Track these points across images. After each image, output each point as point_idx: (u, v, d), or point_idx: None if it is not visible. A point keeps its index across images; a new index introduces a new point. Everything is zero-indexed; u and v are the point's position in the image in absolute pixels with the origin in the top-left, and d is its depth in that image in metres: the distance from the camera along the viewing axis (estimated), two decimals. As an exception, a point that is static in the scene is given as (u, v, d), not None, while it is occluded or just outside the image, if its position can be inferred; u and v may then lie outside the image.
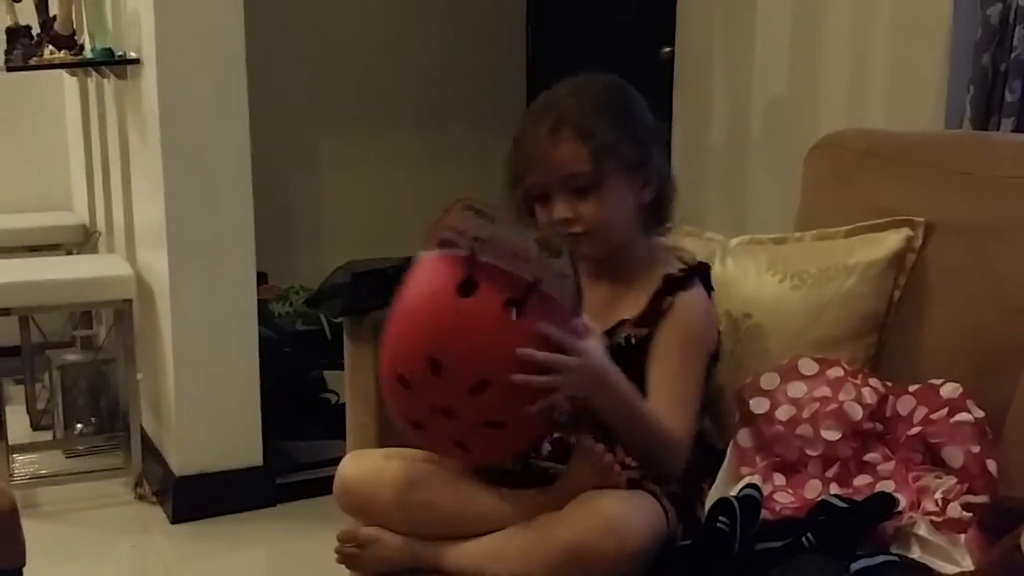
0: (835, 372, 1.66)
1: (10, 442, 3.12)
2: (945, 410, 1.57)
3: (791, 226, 1.99)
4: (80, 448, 3.39)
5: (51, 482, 3.20)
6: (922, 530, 1.48)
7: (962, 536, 1.46)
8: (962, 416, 1.56)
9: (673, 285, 1.60)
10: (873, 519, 1.47)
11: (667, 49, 3.33)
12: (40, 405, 3.62)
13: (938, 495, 1.50)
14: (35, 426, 3.61)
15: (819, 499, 1.52)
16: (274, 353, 3.25)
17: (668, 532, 1.46)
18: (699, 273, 1.65)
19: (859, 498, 1.51)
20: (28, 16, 3.34)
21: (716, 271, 1.74)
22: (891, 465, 1.58)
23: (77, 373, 3.38)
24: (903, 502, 1.49)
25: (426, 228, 1.44)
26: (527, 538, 1.43)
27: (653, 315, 1.59)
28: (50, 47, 3.19)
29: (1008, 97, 2.27)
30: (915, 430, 1.58)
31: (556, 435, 1.55)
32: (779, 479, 1.63)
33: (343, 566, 1.62)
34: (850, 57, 2.70)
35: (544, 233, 1.38)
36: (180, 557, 2.86)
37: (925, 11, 2.50)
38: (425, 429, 1.45)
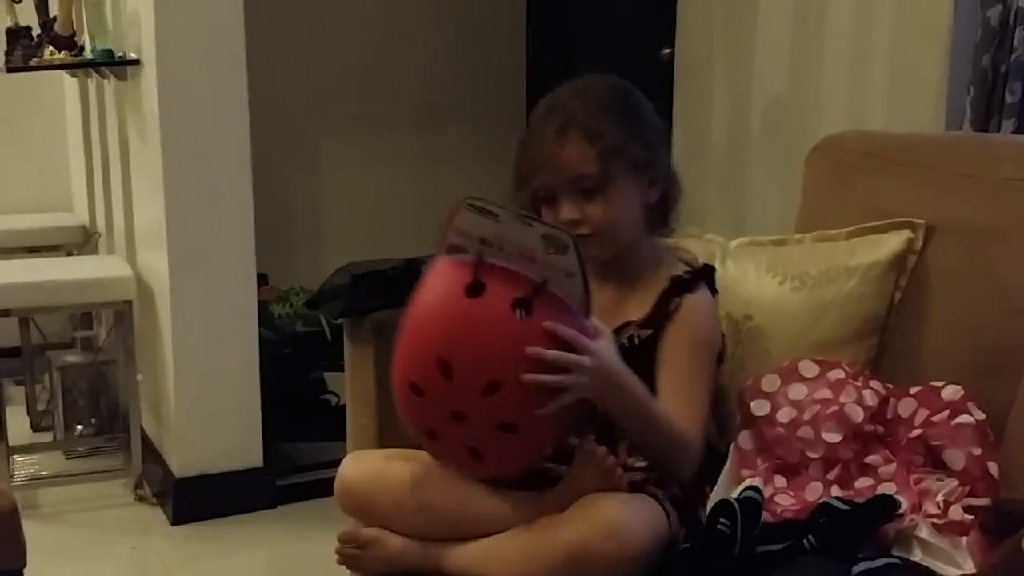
0: (836, 374, 1.66)
1: (10, 443, 3.12)
2: (946, 412, 1.57)
3: (791, 227, 1.99)
4: (80, 449, 3.39)
5: (51, 483, 3.20)
6: (924, 532, 1.48)
7: (964, 539, 1.46)
8: (963, 418, 1.56)
9: (680, 287, 1.60)
10: (874, 521, 1.47)
11: (667, 50, 3.33)
12: (40, 406, 3.62)
13: (940, 497, 1.50)
14: (35, 427, 3.61)
15: (820, 501, 1.52)
16: (274, 354, 3.25)
17: (670, 535, 1.46)
18: (705, 275, 1.65)
19: (860, 500, 1.51)
20: (28, 17, 3.35)
21: (717, 273, 1.74)
22: (892, 467, 1.57)
23: (77, 374, 3.38)
24: (904, 504, 1.49)
25: (438, 240, 1.44)
26: (528, 540, 1.43)
27: (659, 317, 1.59)
28: (50, 48, 3.19)
29: (1008, 99, 2.27)
30: (916, 432, 1.58)
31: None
32: (780, 481, 1.62)
33: (344, 567, 1.62)
34: (850, 58, 2.70)
35: (548, 230, 1.37)
36: (180, 559, 2.86)
37: (925, 12, 2.50)
38: (439, 438, 1.45)
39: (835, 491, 1.57)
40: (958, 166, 1.78)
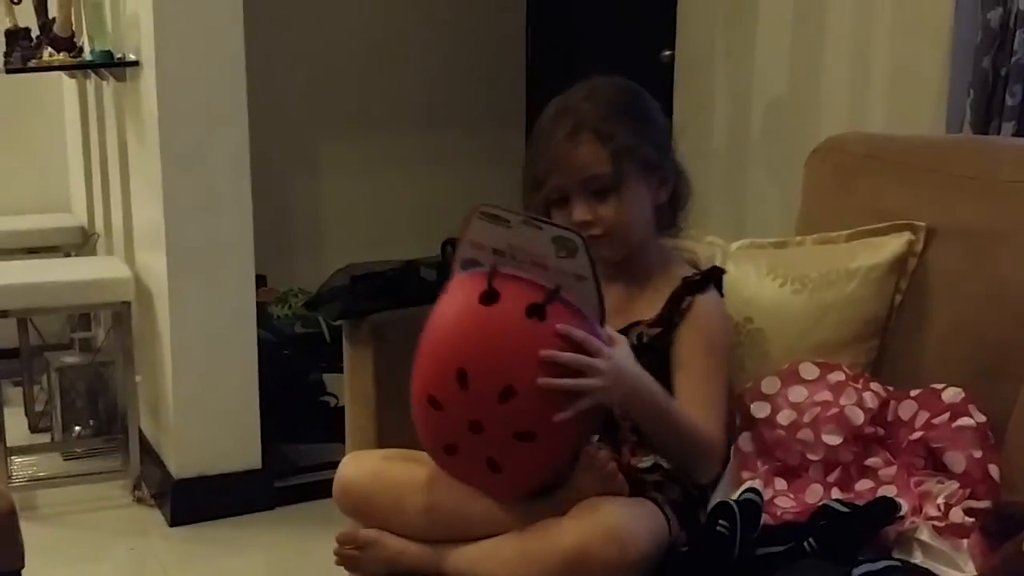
0: (836, 376, 1.66)
1: (8, 444, 3.11)
2: (947, 415, 1.57)
3: (792, 230, 1.99)
4: (78, 450, 3.39)
5: (49, 484, 3.20)
6: (924, 535, 1.48)
7: (964, 541, 1.46)
8: (964, 421, 1.56)
9: (691, 287, 1.61)
10: (875, 524, 1.47)
11: (667, 52, 3.33)
12: (38, 407, 3.62)
13: (940, 500, 1.50)
14: (33, 428, 3.60)
15: (820, 504, 1.52)
16: (273, 356, 3.25)
17: (669, 539, 1.46)
18: (714, 277, 1.65)
19: (861, 503, 1.51)
20: (27, 18, 3.34)
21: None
22: (893, 470, 1.57)
23: (75, 375, 3.37)
24: (905, 507, 1.49)
25: (453, 256, 1.46)
26: (528, 543, 1.42)
27: (670, 317, 1.59)
28: (49, 49, 3.19)
29: (1009, 101, 2.27)
30: (917, 435, 1.58)
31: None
32: (780, 484, 1.62)
33: (343, 568, 1.61)
34: (851, 60, 2.70)
35: (558, 232, 1.37)
36: (178, 560, 2.85)
37: (926, 14, 2.50)
38: (457, 452, 1.45)
39: (835, 493, 1.57)
40: (958, 168, 1.78)
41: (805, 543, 1.42)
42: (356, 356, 1.91)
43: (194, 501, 3.01)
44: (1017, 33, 2.26)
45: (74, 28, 3.22)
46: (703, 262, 1.75)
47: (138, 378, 3.21)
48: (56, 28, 3.20)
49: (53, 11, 3.27)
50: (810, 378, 1.67)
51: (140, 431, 3.19)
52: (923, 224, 1.75)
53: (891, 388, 1.66)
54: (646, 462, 1.54)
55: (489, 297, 1.39)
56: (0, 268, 3.19)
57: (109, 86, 3.39)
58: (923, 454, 1.57)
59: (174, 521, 3.00)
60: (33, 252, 3.85)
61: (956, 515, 1.48)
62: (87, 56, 3.18)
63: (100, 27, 3.12)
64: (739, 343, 1.77)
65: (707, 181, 3.09)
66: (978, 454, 1.53)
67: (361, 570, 1.59)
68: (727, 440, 1.59)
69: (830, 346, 1.73)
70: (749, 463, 1.65)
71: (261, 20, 3.25)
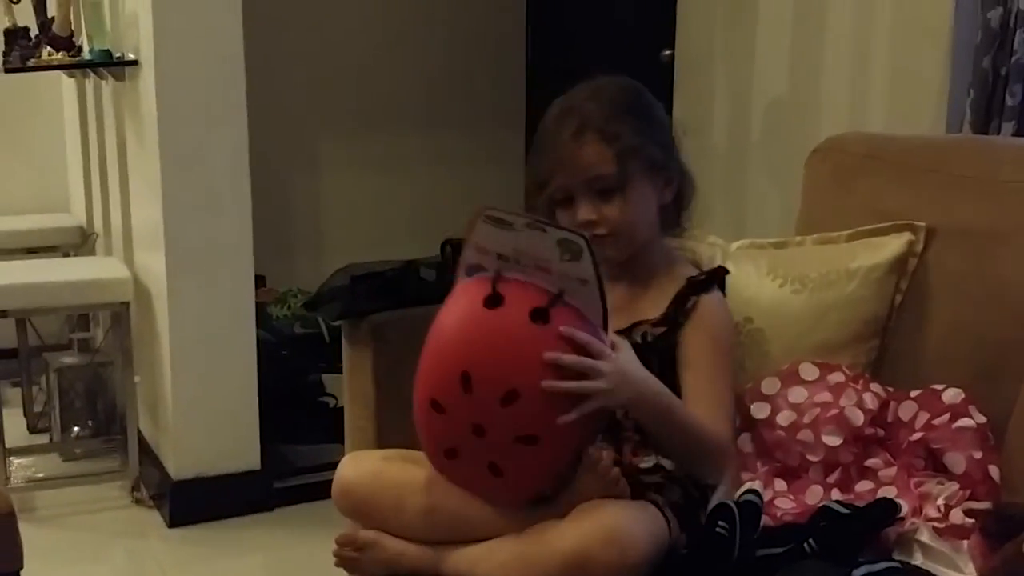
0: (836, 377, 1.66)
1: (7, 445, 3.10)
2: (947, 415, 1.57)
3: (792, 230, 1.99)
4: (77, 451, 3.38)
5: (48, 486, 3.19)
6: (924, 536, 1.47)
7: (965, 542, 1.45)
8: (964, 422, 1.56)
9: (696, 287, 1.60)
10: (875, 525, 1.47)
11: (667, 51, 3.33)
12: (37, 408, 3.61)
13: (940, 501, 1.50)
14: (32, 429, 3.60)
15: (820, 505, 1.52)
16: (272, 356, 3.24)
17: (670, 542, 1.45)
18: (718, 277, 1.64)
19: (861, 504, 1.50)
20: (26, 17, 3.34)
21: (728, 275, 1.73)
22: (893, 471, 1.57)
23: (74, 376, 3.37)
24: (905, 508, 1.49)
25: (459, 262, 1.46)
26: (527, 545, 1.42)
27: (675, 316, 1.59)
28: (48, 48, 3.19)
29: (1009, 101, 2.27)
30: (917, 436, 1.58)
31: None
32: (780, 485, 1.62)
33: (342, 570, 1.61)
34: (851, 60, 2.70)
35: (563, 235, 1.37)
36: (177, 561, 2.85)
37: (926, 14, 2.49)
38: (458, 456, 1.44)
39: (835, 494, 1.57)
40: (958, 168, 1.78)
41: (805, 544, 1.41)
42: (355, 356, 1.90)
43: (193, 502, 3.01)
44: (1017, 33, 2.25)
45: (73, 27, 3.22)
46: (704, 262, 1.75)
47: (137, 379, 3.21)
48: (55, 27, 3.20)
49: (52, 10, 3.27)
50: (810, 379, 1.67)
51: (139, 432, 3.19)
52: (923, 224, 1.75)
53: (891, 389, 1.66)
54: (648, 462, 1.54)
55: (493, 301, 1.39)
56: (-1, 268, 3.19)
57: (108, 86, 3.38)
58: (923, 455, 1.57)
59: (173, 522, 3.00)
60: (32, 252, 3.85)
61: (956, 516, 1.48)
62: (86, 55, 3.17)
63: (99, 26, 3.12)
64: (739, 343, 1.77)
65: (707, 181, 3.08)
66: (978, 455, 1.53)
67: (360, 571, 1.58)
68: (735, 439, 1.58)
69: (830, 346, 1.73)
70: (749, 464, 1.65)
71: (260, 20, 3.25)
